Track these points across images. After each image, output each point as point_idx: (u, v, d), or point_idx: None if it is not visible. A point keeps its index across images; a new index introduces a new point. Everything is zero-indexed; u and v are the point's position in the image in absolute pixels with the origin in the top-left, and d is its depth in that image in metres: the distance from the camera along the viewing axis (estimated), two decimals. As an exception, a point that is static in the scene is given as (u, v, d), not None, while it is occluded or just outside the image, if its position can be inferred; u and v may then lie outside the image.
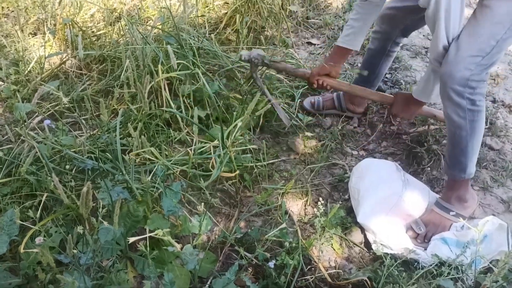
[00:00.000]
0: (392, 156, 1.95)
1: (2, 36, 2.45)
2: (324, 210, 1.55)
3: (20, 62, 2.23)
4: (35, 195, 1.52)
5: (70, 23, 2.28)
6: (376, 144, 2.02)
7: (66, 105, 1.96)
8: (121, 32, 2.39)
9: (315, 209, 1.63)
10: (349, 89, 1.91)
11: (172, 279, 1.12)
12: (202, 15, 2.66)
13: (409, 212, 1.57)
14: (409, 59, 2.55)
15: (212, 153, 1.65)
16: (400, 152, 1.96)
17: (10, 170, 1.58)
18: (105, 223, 1.18)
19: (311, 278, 1.40)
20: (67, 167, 1.56)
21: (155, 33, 2.24)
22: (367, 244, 1.55)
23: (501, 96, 2.29)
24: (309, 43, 2.72)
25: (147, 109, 1.64)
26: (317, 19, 2.90)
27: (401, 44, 1.99)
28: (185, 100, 1.98)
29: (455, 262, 1.32)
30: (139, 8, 2.71)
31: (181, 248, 1.17)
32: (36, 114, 1.94)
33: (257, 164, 1.79)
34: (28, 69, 2.21)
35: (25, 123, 1.67)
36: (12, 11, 2.73)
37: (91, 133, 1.80)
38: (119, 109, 1.92)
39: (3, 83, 2.13)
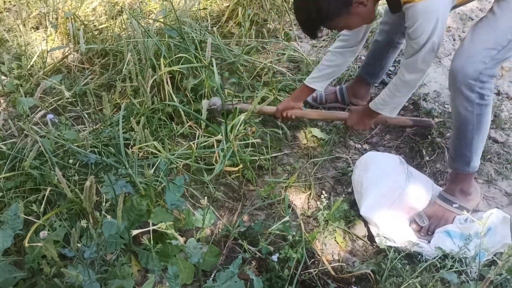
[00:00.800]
0: (396, 149, 1.94)
1: (4, 30, 2.44)
2: (327, 203, 1.54)
3: (23, 57, 2.23)
4: (39, 189, 1.52)
5: (72, 17, 2.27)
6: (379, 137, 2.02)
7: (68, 100, 1.96)
8: (123, 26, 2.39)
9: (318, 203, 1.63)
10: (307, 115, 1.97)
11: (176, 273, 1.12)
12: (204, 8, 2.65)
13: (412, 205, 1.56)
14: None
15: (215, 147, 1.64)
16: (403, 145, 1.95)
17: (13, 164, 1.59)
18: (109, 217, 1.18)
19: (315, 271, 1.40)
20: (70, 161, 1.56)
21: (157, 26, 2.23)
22: (371, 237, 1.55)
23: (505, 89, 2.27)
24: (312, 36, 2.70)
25: (150, 103, 1.64)
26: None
27: None
28: (188, 94, 1.98)
29: (459, 255, 1.31)
30: (141, 2, 2.69)
31: (185, 242, 1.17)
32: (39, 108, 1.94)
33: (260, 157, 1.79)
34: (31, 63, 2.21)
35: (28, 118, 1.67)
36: (14, 5, 2.72)
37: (94, 127, 1.80)
38: (122, 103, 1.92)
39: (5, 78, 2.13)
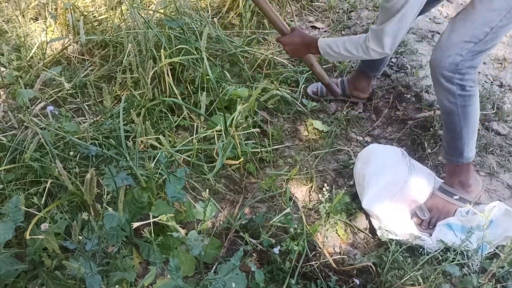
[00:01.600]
0: (398, 141, 1.93)
1: (3, 21, 2.42)
2: (329, 196, 1.54)
3: (22, 48, 2.21)
4: (40, 182, 1.52)
5: (71, 7, 2.25)
6: (381, 129, 2.01)
7: (69, 91, 1.94)
8: (123, 17, 2.36)
9: (319, 195, 1.63)
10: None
11: (177, 265, 1.12)
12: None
13: (414, 198, 1.56)
14: (415, 42, 2.51)
15: (216, 141, 1.63)
16: (405, 138, 1.94)
17: (14, 156, 1.58)
18: (110, 209, 1.18)
19: (316, 264, 1.40)
20: (71, 153, 1.55)
21: (157, 17, 2.20)
22: (372, 230, 1.55)
23: (508, 81, 2.26)
24: (314, 27, 2.68)
25: (150, 95, 1.63)
26: (321, 2, 2.85)
27: None
28: (188, 86, 1.97)
29: (461, 248, 1.31)
30: (141, -8, 2.66)
31: (186, 234, 1.17)
32: (39, 100, 1.93)
33: (261, 149, 1.78)
34: (30, 54, 2.19)
35: (28, 110, 1.66)
36: (13, -4, 2.70)
37: (95, 119, 1.79)
38: (122, 95, 1.91)
39: (5, 69, 2.12)
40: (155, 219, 1.12)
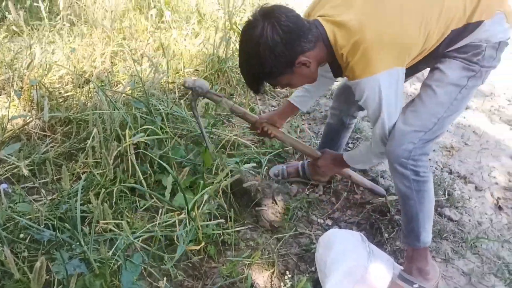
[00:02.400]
0: (357, 225, 1.97)
1: (-36, 94, 2.39)
2: (291, 284, 1.51)
3: (-19, 122, 2.16)
4: (-18, 267, 1.41)
5: (37, 84, 2.26)
6: (341, 212, 2.05)
7: (26, 169, 1.88)
8: (89, 95, 2.39)
9: (281, 283, 1.59)
10: (285, 139, 2.00)
11: None
12: (173, 82, 2.72)
13: (375, 285, 1.56)
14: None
15: (177, 227, 1.59)
16: (364, 222, 1.99)
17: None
18: (58, 301, 1.10)
19: None
20: (21, 235, 1.47)
21: (124, 97, 2.25)
22: (334, 319, 1.51)
23: (456, 168, 2.41)
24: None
25: (111, 176, 1.60)
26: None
27: (357, 117, 2.09)
28: (153, 165, 1.96)
29: None
30: (109, 72, 2.74)
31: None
32: (-8, 177, 1.85)
33: (223, 231, 1.76)
34: (-12, 129, 2.14)
35: (-21, 188, 1.58)
36: (-23, 69, 2.69)
37: (51, 198, 1.73)
38: (82, 173, 1.87)
39: (-41, 143, 2.05)
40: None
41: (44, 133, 2.21)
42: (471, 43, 1.43)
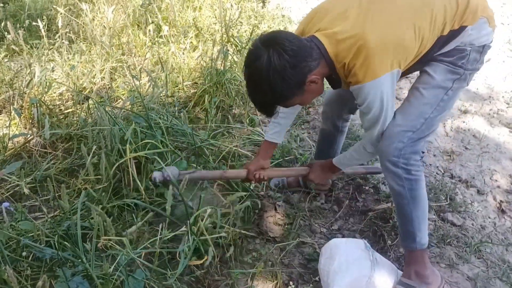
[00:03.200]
0: (360, 233, 1.96)
1: (-35, 114, 2.41)
2: (294, 294, 1.51)
3: (-18, 141, 2.18)
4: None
5: (37, 102, 2.28)
6: (343, 220, 2.04)
7: (27, 187, 1.89)
8: (90, 111, 2.41)
9: (285, 293, 1.59)
10: (279, 174, 2.04)
11: None
12: (172, 96, 2.74)
13: (379, 293, 1.55)
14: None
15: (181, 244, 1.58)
16: (367, 229, 1.98)
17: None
18: (61, 319, 1.10)
19: None
20: (24, 253, 1.47)
21: (124, 112, 2.27)
22: (340, 329, 1.50)
23: (457, 172, 2.41)
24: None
25: (110, 191, 1.61)
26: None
27: (350, 120, 2.10)
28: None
29: None
30: (109, 88, 2.76)
31: None
32: (-6, 196, 1.86)
33: (225, 242, 1.75)
34: (-10, 148, 2.16)
35: (-19, 207, 1.59)
36: (-22, 89, 2.71)
37: (52, 215, 1.73)
38: (84, 189, 1.87)
39: (-39, 163, 2.06)
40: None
41: (45, 150, 2.23)
42: (457, 47, 1.48)
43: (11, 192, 1.91)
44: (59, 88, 2.69)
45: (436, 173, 2.40)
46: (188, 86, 2.91)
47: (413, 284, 1.57)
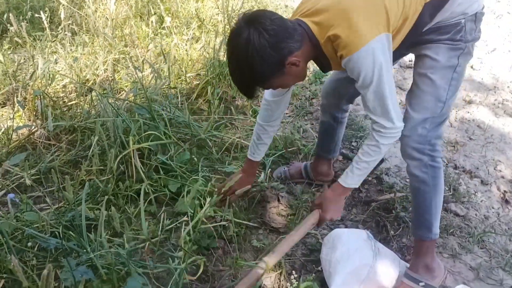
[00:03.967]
0: (363, 223, 1.97)
1: (-30, 106, 2.42)
2: (297, 284, 1.51)
3: (-14, 134, 2.19)
4: (-7, 276, 1.42)
5: (41, 94, 2.29)
6: (346, 211, 2.05)
7: (32, 177, 1.91)
8: (93, 103, 2.42)
9: (288, 284, 1.60)
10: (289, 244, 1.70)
11: None
12: (175, 87, 2.74)
13: (381, 283, 1.55)
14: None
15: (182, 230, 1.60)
16: (369, 220, 1.98)
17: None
18: (67, 307, 1.12)
19: None
20: (29, 244, 1.49)
21: (127, 103, 2.27)
22: (342, 318, 1.51)
23: (461, 163, 2.40)
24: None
25: (114, 184, 1.61)
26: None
27: (349, 110, 2.08)
28: (160, 170, 1.97)
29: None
30: (112, 80, 2.76)
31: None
32: (0, 187, 1.87)
33: (229, 232, 1.76)
34: (-5, 140, 2.17)
35: (-13, 198, 1.61)
36: (-18, 81, 2.73)
37: (57, 206, 1.75)
38: (88, 180, 1.89)
39: (-34, 155, 2.07)
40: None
41: (49, 142, 2.24)
42: (450, 22, 1.44)
43: (16, 183, 1.93)
44: (62, 80, 2.69)
45: (440, 163, 2.39)
46: (191, 77, 2.91)
47: (420, 278, 1.58)
